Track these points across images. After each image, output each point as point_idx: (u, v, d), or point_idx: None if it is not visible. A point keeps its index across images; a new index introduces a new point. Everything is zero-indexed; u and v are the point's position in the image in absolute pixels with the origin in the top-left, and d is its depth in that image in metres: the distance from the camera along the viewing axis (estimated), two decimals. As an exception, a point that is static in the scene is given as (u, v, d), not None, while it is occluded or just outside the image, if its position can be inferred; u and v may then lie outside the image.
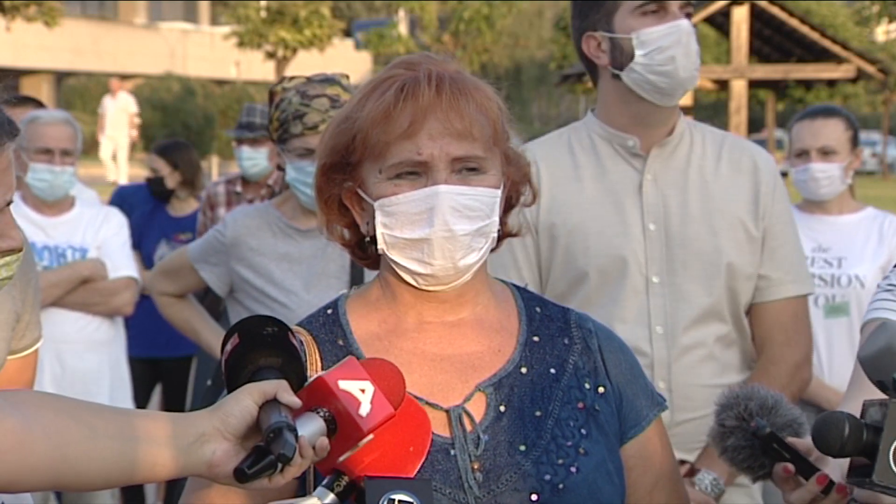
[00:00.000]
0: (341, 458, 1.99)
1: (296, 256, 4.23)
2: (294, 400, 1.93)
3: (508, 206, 2.31)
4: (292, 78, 4.23)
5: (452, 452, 2.20)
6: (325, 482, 2.01)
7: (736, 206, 3.39)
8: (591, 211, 3.34)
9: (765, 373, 3.41)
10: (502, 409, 2.24)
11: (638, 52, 3.31)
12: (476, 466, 2.20)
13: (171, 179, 7.71)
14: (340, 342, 2.27)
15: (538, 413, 2.25)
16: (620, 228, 3.34)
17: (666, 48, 3.29)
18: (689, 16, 3.34)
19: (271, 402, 1.92)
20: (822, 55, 16.76)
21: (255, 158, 7.33)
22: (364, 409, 1.96)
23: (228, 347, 1.99)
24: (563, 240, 3.36)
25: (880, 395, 2.01)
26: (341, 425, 1.96)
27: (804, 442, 2.24)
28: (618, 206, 3.37)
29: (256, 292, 4.28)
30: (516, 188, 2.33)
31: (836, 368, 5.05)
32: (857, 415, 2.01)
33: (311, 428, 1.94)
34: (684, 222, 3.36)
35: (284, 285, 4.23)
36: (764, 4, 15.35)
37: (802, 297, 3.48)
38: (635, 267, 3.33)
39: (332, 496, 2.00)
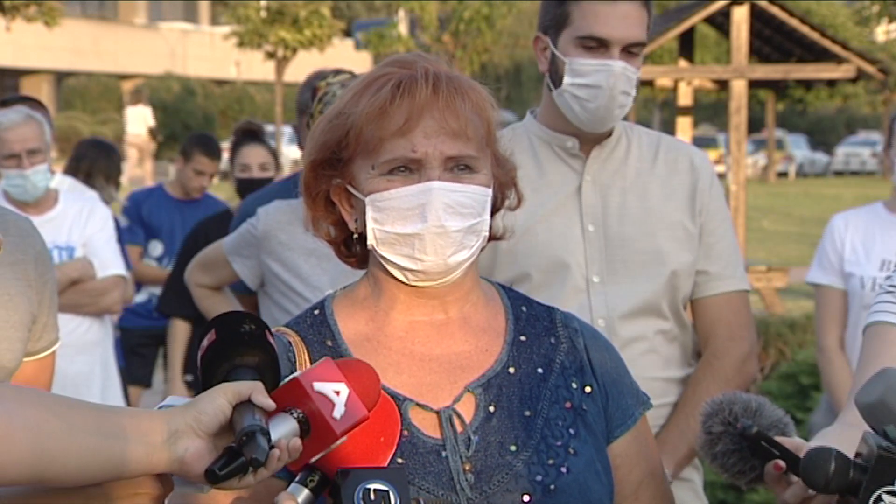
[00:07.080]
0: (313, 460, 1.98)
1: (325, 252, 4.19)
2: (268, 402, 1.92)
3: (494, 209, 2.30)
4: (337, 73, 4.23)
5: (444, 454, 2.19)
6: (298, 478, 2.01)
7: (673, 205, 3.41)
8: (532, 213, 3.33)
9: (708, 367, 3.43)
10: (492, 409, 2.24)
11: (566, 79, 3.32)
12: (467, 467, 2.19)
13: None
14: (329, 343, 2.27)
15: (527, 413, 2.24)
16: (561, 230, 3.35)
17: (592, 85, 3.29)
18: (633, 55, 3.29)
19: (245, 404, 1.91)
20: (822, 55, 16.73)
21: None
22: (338, 412, 1.95)
23: (205, 343, 1.97)
24: (505, 241, 3.36)
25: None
26: (314, 427, 1.95)
27: (792, 440, 2.23)
28: (557, 207, 3.39)
29: (284, 287, 4.29)
30: (502, 191, 2.33)
31: None
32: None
33: (284, 428, 1.93)
34: (623, 223, 3.38)
35: (311, 281, 4.24)
36: (764, 4, 15.32)
37: (742, 293, 3.48)
38: (576, 268, 3.34)
39: (306, 492, 1.99)
